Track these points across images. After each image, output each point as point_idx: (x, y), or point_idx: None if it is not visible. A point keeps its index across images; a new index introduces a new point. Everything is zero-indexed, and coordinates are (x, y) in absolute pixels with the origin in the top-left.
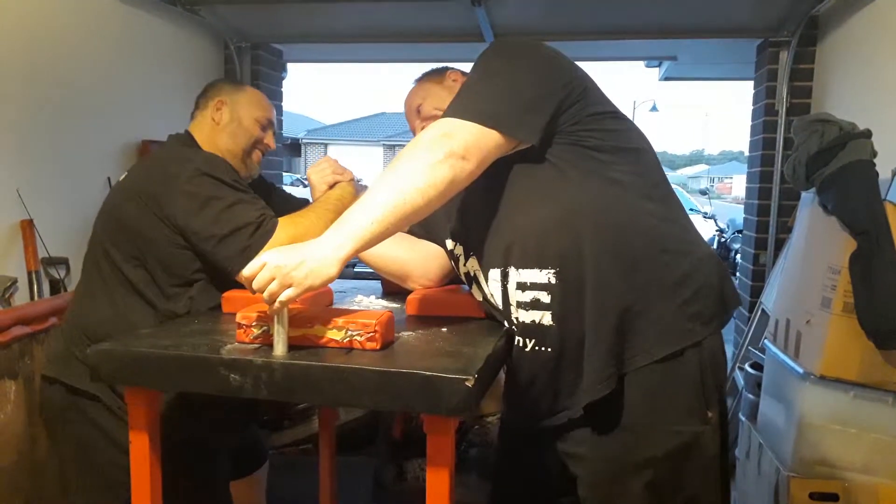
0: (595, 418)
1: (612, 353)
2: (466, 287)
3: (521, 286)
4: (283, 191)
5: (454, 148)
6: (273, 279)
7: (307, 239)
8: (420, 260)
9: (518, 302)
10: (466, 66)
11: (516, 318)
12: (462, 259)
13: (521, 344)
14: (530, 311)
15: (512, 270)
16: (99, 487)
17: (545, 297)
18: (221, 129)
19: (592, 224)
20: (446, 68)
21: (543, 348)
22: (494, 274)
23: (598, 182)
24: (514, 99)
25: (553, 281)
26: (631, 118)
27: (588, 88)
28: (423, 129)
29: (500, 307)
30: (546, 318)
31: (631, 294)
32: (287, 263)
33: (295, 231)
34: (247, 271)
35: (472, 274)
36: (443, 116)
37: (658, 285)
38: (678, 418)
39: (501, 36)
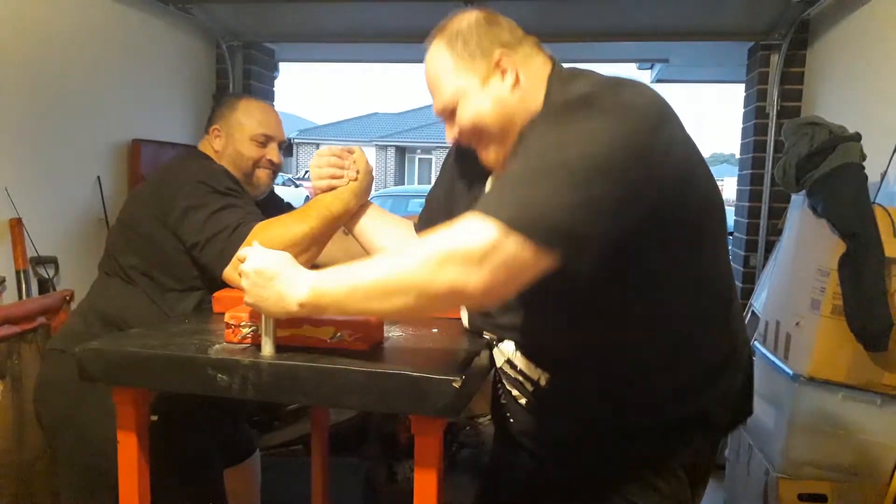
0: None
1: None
2: None
3: (511, 364)
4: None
5: (478, 282)
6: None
7: (274, 247)
8: None
9: (503, 370)
10: None
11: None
12: None
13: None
14: (510, 384)
15: (506, 344)
16: (88, 465)
17: (528, 386)
18: (222, 157)
19: (601, 359)
20: (493, 45)
21: (510, 412)
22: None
23: (627, 320)
24: (586, 205)
25: (542, 383)
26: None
27: (661, 198)
28: (454, 136)
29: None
30: (521, 399)
31: (621, 420)
32: (256, 277)
33: (263, 237)
34: (239, 253)
35: None
36: (482, 209)
37: (654, 424)
38: (620, 484)
39: None
